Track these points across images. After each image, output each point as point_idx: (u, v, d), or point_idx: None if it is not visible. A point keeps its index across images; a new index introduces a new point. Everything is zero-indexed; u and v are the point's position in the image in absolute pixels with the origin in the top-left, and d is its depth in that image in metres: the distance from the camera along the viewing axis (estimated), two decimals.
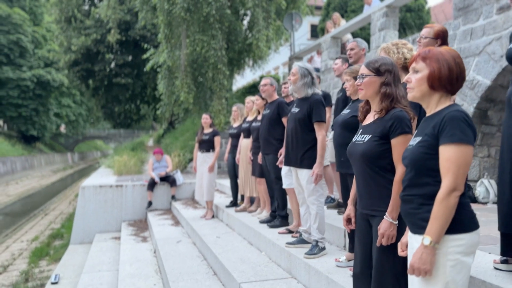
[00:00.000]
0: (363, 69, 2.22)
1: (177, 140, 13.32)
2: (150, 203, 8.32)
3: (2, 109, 33.71)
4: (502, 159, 2.49)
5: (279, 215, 4.71)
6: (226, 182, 8.17)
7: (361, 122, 2.32)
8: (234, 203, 6.31)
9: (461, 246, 1.56)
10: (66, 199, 18.36)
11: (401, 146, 2.05)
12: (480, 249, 2.80)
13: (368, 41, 10.37)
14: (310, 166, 3.50)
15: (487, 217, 3.76)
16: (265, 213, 5.24)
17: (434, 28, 3.11)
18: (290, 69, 12.78)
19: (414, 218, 1.67)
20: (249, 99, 5.80)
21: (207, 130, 6.45)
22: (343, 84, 3.68)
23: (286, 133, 3.75)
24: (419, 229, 1.64)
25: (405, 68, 2.68)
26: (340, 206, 4.69)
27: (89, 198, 8.22)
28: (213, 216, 6.53)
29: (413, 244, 1.70)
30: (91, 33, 18.69)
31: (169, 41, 10.92)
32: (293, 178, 3.82)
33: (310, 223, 3.74)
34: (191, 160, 10.95)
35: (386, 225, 2.02)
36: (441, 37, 3.12)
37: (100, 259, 6.24)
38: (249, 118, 5.74)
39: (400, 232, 2.04)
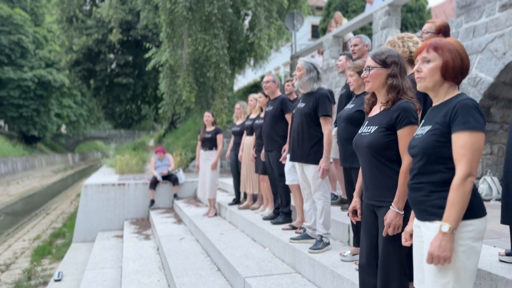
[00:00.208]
0: (369, 61, 2.23)
1: (179, 139, 13.34)
2: (152, 202, 8.33)
3: (3, 109, 33.76)
4: (509, 154, 2.50)
5: (282, 211, 4.72)
6: (228, 181, 8.18)
7: (367, 114, 2.33)
8: (236, 201, 6.32)
9: (472, 232, 1.58)
10: (67, 199, 18.38)
11: (407, 137, 2.07)
12: (484, 243, 2.81)
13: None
14: (316, 162, 3.50)
15: (491, 213, 3.76)
16: (268, 210, 5.25)
17: (436, 23, 3.12)
18: (291, 68, 12.81)
19: (425, 205, 1.68)
20: (252, 96, 5.81)
21: (210, 128, 6.47)
22: (346, 80, 3.70)
23: (292, 129, 3.76)
24: (430, 215, 1.65)
25: (411, 62, 2.70)
26: (343, 203, 4.70)
27: (91, 196, 8.24)
28: (215, 214, 6.54)
29: (422, 232, 1.71)
30: (92, 33, 18.72)
31: (171, 40, 10.94)
32: (297, 174, 3.83)
33: (314, 219, 3.75)
34: (193, 159, 10.97)
35: (392, 215, 2.04)
36: (443, 32, 3.14)
37: (103, 256, 6.25)
38: (252, 116, 5.75)
39: (406, 223, 2.05)
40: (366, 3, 9.67)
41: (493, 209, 3.94)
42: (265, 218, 4.93)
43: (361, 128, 2.28)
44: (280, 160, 4.51)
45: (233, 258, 4.06)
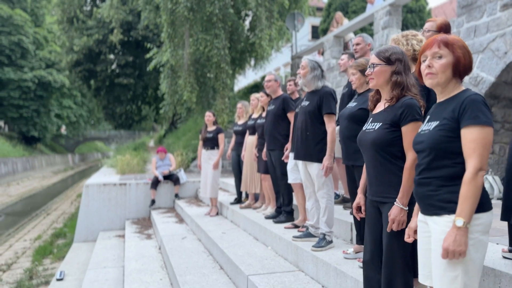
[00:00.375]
0: (373, 59, 2.24)
1: (179, 140, 13.35)
2: (153, 201, 8.34)
3: (3, 110, 33.78)
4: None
5: (285, 210, 4.73)
6: (229, 181, 8.19)
7: (372, 111, 2.34)
8: (238, 200, 6.33)
9: (480, 225, 1.61)
10: (67, 199, 18.38)
11: (411, 133, 2.08)
12: None
13: None
14: (320, 160, 3.51)
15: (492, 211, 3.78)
16: (270, 209, 5.26)
17: (437, 22, 3.14)
18: (292, 68, 12.83)
19: (432, 200, 1.69)
20: (254, 96, 5.83)
21: (211, 128, 6.48)
22: (348, 79, 3.71)
23: (295, 127, 3.76)
24: (438, 210, 1.67)
25: (414, 60, 2.71)
26: (345, 201, 4.71)
27: (93, 196, 8.25)
28: (217, 213, 6.55)
29: (430, 227, 1.72)
30: (93, 34, 18.75)
31: (172, 40, 10.96)
32: (300, 172, 3.84)
33: (317, 217, 3.76)
34: (193, 159, 10.98)
35: (396, 211, 2.05)
36: (444, 30, 3.15)
37: (105, 256, 6.25)
38: (255, 115, 5.76)
39: (409, 219, 2.06)
40: (367, 4, 9.69)
41: (495, 208, 3.93)
42: (267, 217, 4.94)
43: (366, 125, 2.29)
44: (283, 158, 4.52)
45: (236, 256, 4.07)
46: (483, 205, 1.62)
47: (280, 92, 4.93)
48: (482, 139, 1.59)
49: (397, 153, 2.14)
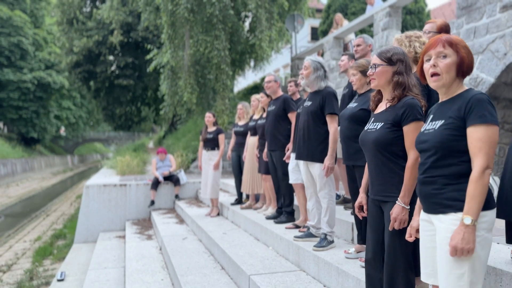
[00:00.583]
0: (375, 59, 2.26)
1: (179, 141, 13.36)
2: (152, 202, 8.34)
3: (3, 111, 33.76)
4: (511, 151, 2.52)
5: (285, 211, 4.74)
6: (229, 181, 8.20)
7: (373, 111, 2.36)
8: (239, 201, 6.34)
9: (485, 223, 1.62)
10: (67, 200, 18.37)
11: (413, 133, 2.10)
12: None
13: None
14: (322, 160, 3.53)
15: None
16: (271, 210, 5.27)
17: (437, 23, 3.16)
18: (292, 69, 12.85)
19: (438, 199, 1.70)
20: (255, 97, 5.84)
21: (211, 129, 6.50)
22: (349, 80, 3.73)
23: (298, 127, 3.78)
24: (444, 208, 1.68)
25: (415, 62, 2.73)
26: (346, 202, 4.73)
27: (93, 197, 8.25)
28: (218, 214, 6.56)
29: (435, 225, 1.73)
30: (93, 35, 18.77)
31: (173, 41, 10.99)
32: (301, 172, 3.85)
33: (318, 218, 3.78)
34: (194, 160, 10.99)
35: (398, 210, 2.07)
36: (444, 31, 3.18)
37: (105, 256, 6.26)
38: (255, 116, 5.78)
39: (410, 218, 2.08)
40: (367, 5, 9.72)
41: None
42: (268, 218, 4.96)
43: (367, 125, 2.32)
44: (284, 159, 4.54)
45: (237, 256, 4.08)
46: (488, 203, 1.64)
47: (280, 92, 4.95)
48: (488, 137, 1.61)
49: (398, 153, 2.16)
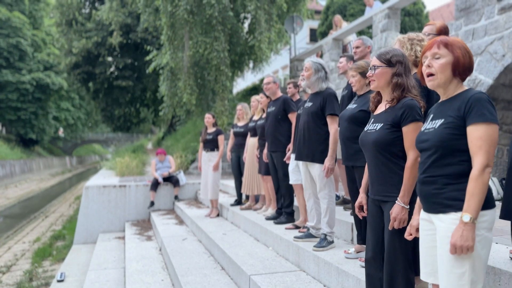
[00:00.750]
0: (374, 61, 2.29)
1: (178, 142, 13.37)
2: (152, 203, 8.35)
3: (1, 112, 33.72)
4: None
5: (285, 211, 4.76)
6: (229, 182, 8.22)
7: (373, 112, 2.39)
8: (238, 202, 6.36)
9: (485, 222, 1.64)
10: (66, 201, 18.36)
11: (412, 133, 2.13)
12: None
13: None
14: (322, 161, 3.55)
15: None
16: (271, 211, 5.29)
17: (436, 25, 3.19)
18: (291, 71, 12.88)
19: (438, 198, 1.72)
20: (254, 98, 5.86)
21: (211, 130, 6.51)
22: (348, 81, 3.75)
23: (298, 128, 3.80)
24: (444, 208, 1.69)
25: (415, 65, 2.75)
26: (346, 203, 4.75)
27: (92, 198, 8.26)
28: (218, 215, 6.58)
29: (435, 224, 1.75)
30: (92, 36, 18.79)
31: (172, 42, 11.01)
32: (301, 173, 3.87)
33: (317, 218, 3.80)
34: (193, 161, 11.00)
35: (398, 210, 2.10)
36: (443, 33, 3.20)
37: (105, 257, 6.27)
38: (255, 117, 5.80)
39: (410, 218, 2.11)
40: (365, 7, 9.76)
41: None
42: (268, 218, 4.97)
43: (367, 125, 2.34)
44: (284, 159, 4.56)
45: (237, 257, 4.10)
46: (488, 202, 1.65)
47: (279, 93, 4.97)
48: (488, 136, 1.63)
49: (398, 153, 2.19)
